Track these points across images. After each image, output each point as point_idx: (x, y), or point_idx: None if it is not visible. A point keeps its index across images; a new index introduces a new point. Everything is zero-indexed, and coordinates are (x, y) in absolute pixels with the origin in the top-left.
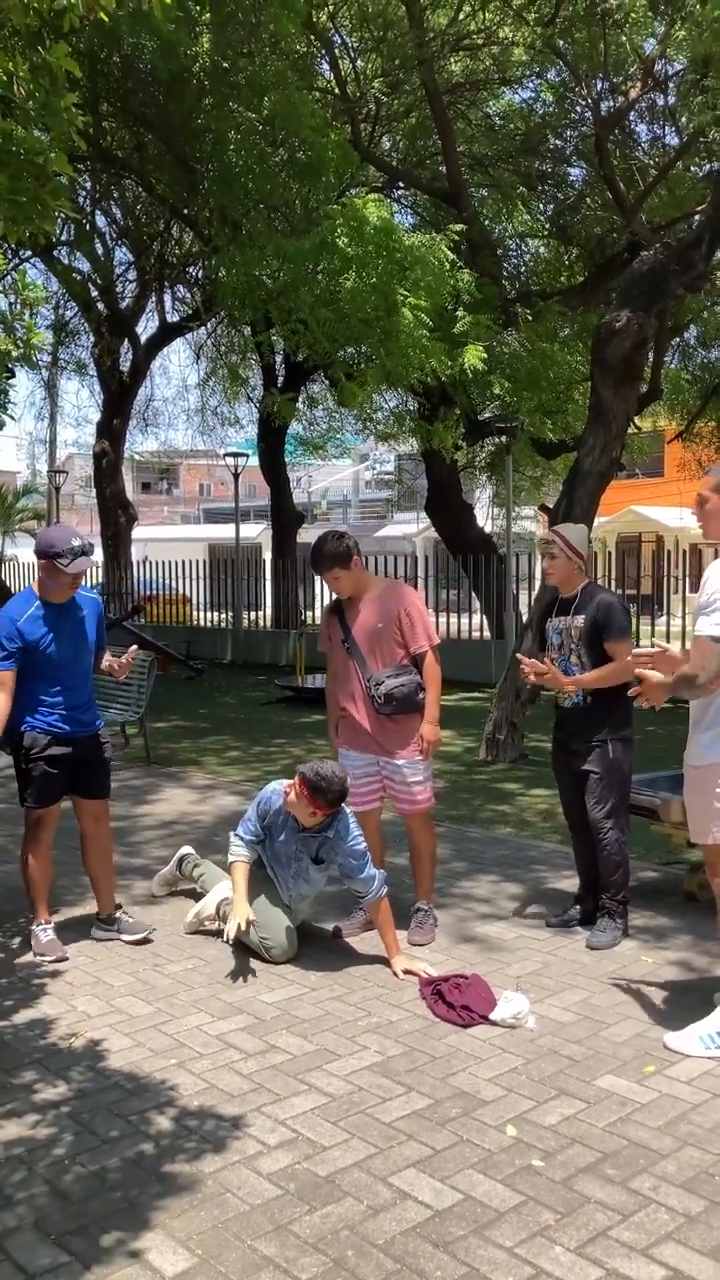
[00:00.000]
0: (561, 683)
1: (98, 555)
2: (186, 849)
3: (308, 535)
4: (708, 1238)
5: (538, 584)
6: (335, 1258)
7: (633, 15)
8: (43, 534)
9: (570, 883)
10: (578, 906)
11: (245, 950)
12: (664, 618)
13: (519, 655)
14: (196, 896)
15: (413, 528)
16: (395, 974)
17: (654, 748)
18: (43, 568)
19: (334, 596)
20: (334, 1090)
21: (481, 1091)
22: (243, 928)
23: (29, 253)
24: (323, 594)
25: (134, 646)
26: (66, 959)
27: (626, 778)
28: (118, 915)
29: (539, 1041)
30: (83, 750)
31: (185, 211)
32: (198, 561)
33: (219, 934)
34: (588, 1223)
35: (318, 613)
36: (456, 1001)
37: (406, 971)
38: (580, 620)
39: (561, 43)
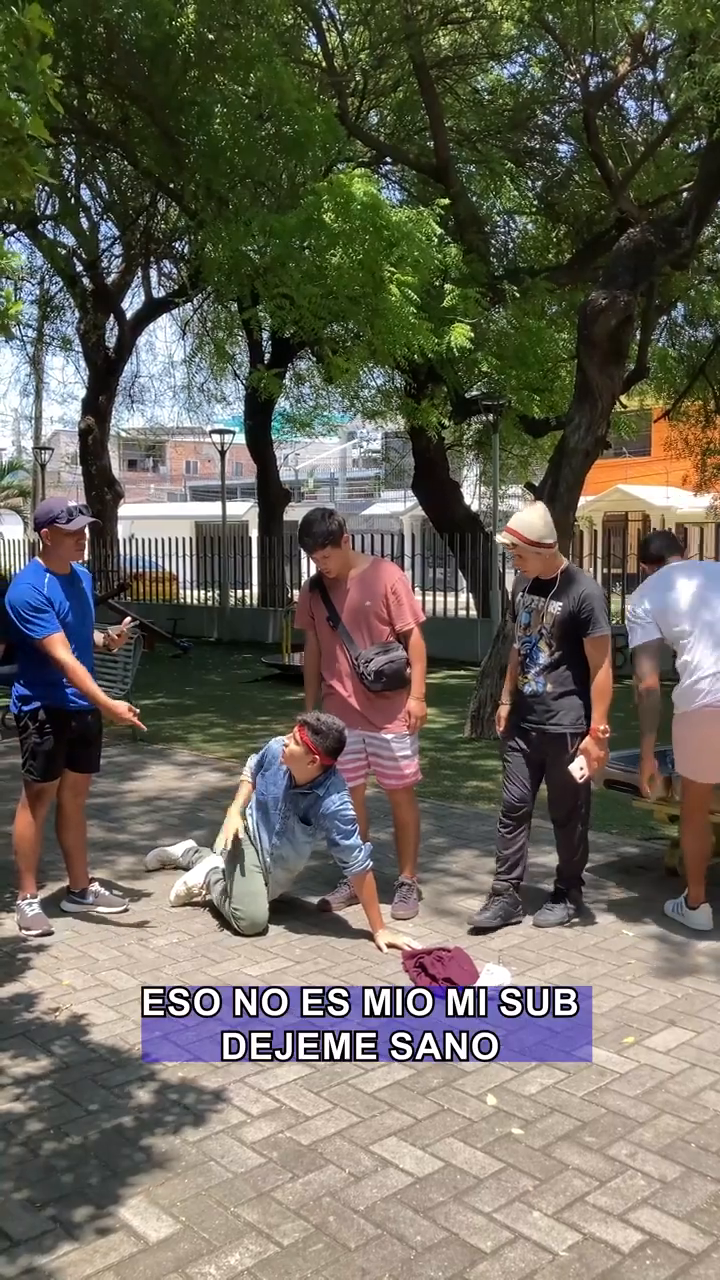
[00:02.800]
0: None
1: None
2: (192, 843)
3: (295, 513)
4: (683, 1202)
5: None
6: (317, 1223)
7: None
8: (40, 507)
9: (550, 857)
10: (500, 899)
11: (226, 922)
12: None
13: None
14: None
15: (400, 506)
16: (379, 947)
17: (635, 725)
18: (45, 536)
19: (313, 573)
20: (317, 1061)
21: (463, 1062)
22: (239, 834)
23: (13, 226)
24: (309, 573)
25: (128, 618)
26: (52, 933)
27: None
28: (91, 888)
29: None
30: (86, 723)
31: (171, 186)
32: (184, 539)
33: (205, 906)
34: (565, 1189)
35: None
36: (439, 974)
37: (390, 945)
38: (557, 607)
39: (550, 16)
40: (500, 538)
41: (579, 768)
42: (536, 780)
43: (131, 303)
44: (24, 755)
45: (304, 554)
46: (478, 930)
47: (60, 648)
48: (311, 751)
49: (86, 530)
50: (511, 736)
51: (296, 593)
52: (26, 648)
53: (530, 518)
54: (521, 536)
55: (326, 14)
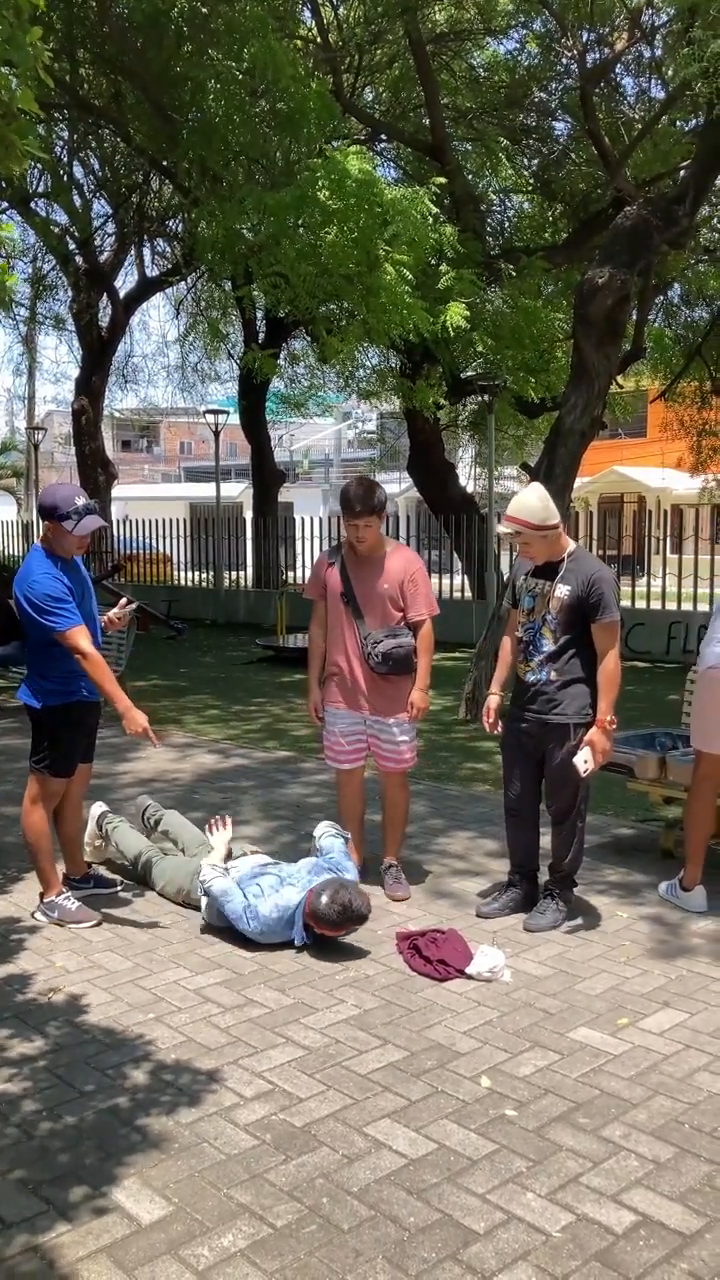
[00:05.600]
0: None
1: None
2: (101, 806)
3: (289, 494)
4: (676, 1183)
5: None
6: (310, 1205)
7: None
8: (46, 493)
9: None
10: (511, 890)
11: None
12: (644, 578)
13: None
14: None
15: (395, 488)
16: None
17: (630, 706)
18: (49, 528)
19: (334, 545)
20: (311, 1043)
21: (457, 1044)
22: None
23: (4, 204)
24: (304, 554)
25: (124, 599)
26: (102, 923)
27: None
28: (89, 872)
29: (514, 995)
30: (98, 715)
31: (164, 163)
32: (178, 520)
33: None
34: (559, 1170)
35: (299, 573)
36: (433, 956)
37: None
38: (564, 591)
39: None
40: (501, 527)
41: (583, 760)
42: (538, 775)
43: (124, 281)
44: (41, 752)
45: (302, 531)
46: (482, 918)
47: (84, 640)
48: (345, 932)
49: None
50: (509, 730)
51: (291, 574)
52: (42, 641)
53: (529, 501)
54: (524, 522)
55: None
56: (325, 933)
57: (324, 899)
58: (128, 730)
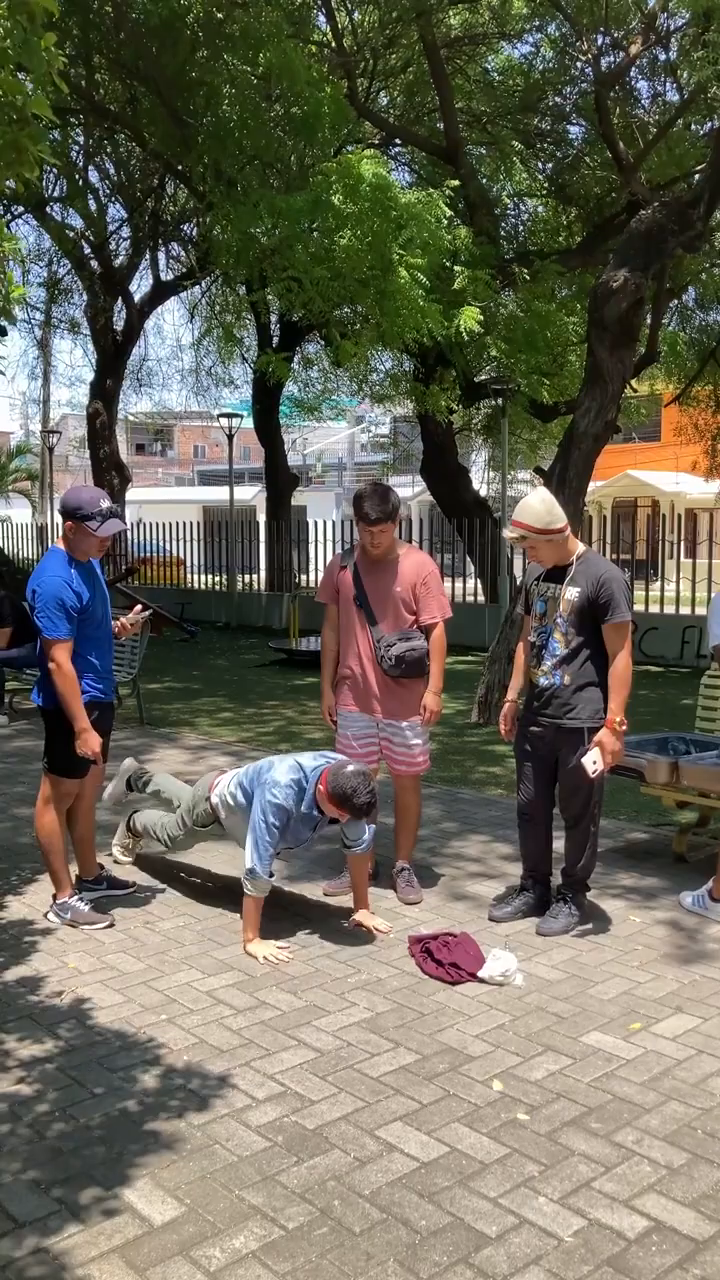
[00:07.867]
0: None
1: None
2: (129, 761)
3: (302, 498)
4: (689, 1189)
5: None
6: (322, 1207)
7: None
8: (70, 494)
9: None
10: (524, 895)
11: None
12: (658, 583)
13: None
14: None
15: (408, 491)
16: (356, 923)
17: (643, 710)
18: (70, 529)
19: (347, 549)
20: (323, 1046)
21: (469, 1047)
22: (282, 958)
23: (20, 208)
24: (317, 557)
25: (138, 606)
26: (114, 924)
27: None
28: (102, 873)
29: (526, 999)
30: (113, 715)
31: (179, 167)
32: (192, 524)
33: (207, 890)
34: (571, 1174)
35: (312, 576)
36: (445, 959)
37: (357, 923)
38: (574, 593)
39: None
40: (507, 532)
41: (593, 761)
42: (551, 779)
43: (139, 285)
44: (54, 753)
45: (315, 535)
46: (494, 921)
47: (62, 653)
48: (341, 814)
49: None
50: (522, 734)
51: (304, 578)
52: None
53: (533, 504)
54: (529, 526)
55: None
56: (335, 810)
57: (350, 767)
58: (79, 750)
